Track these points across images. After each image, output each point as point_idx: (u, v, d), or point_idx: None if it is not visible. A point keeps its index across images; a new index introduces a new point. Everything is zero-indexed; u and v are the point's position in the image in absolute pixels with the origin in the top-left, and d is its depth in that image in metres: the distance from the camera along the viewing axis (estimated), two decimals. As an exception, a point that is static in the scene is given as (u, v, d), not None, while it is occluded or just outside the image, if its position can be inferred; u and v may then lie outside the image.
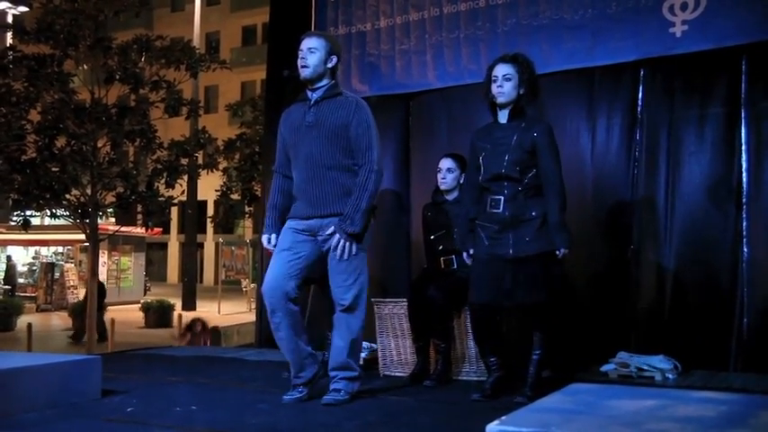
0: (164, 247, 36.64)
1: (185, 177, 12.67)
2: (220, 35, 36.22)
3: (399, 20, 5.75)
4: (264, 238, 3.89)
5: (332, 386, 3.65)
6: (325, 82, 3.75)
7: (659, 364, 4.14)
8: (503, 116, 3.82)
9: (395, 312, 4.60)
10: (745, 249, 4.48)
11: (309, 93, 3.78)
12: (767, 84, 4.53)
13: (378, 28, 5.87)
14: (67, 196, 11.08)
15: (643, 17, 4.76)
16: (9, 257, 26.78)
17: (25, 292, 23.79)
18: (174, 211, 14.07)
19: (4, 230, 25.03)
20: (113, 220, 18.02)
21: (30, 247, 27.58)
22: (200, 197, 21.99)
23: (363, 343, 4.13)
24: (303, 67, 3.72)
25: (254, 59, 30.29)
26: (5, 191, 10.93)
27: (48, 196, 10.81)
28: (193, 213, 22.18)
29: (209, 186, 19.31)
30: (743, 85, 4.57)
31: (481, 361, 4.07)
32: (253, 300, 17.41)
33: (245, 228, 29.11)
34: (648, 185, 4.80)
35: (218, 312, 20.44)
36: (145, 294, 24.89)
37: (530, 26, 5.17)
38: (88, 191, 11.13)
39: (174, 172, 11.75)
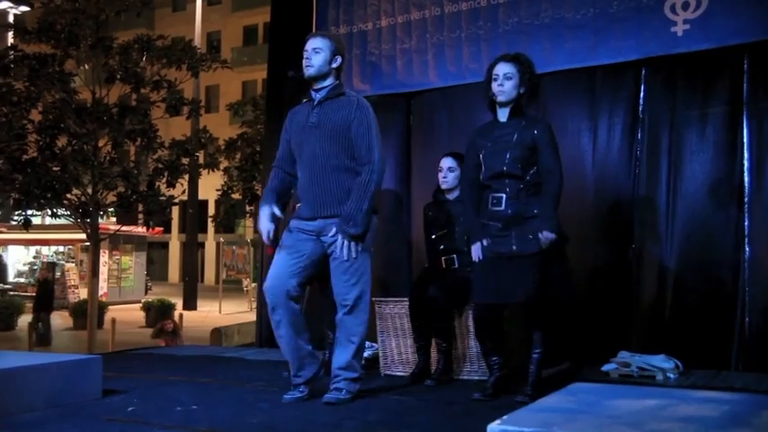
0: (165, 246, 36.64)
1: (186, 177, 12.66)
2: (221, 35, 36.21)
3: (401, 19, 5.75)
4: (262, 211, 3.76)
5: (333, 385, 3.64)
6: (328, 82, 3.74)
7: (661, 363, 4.13)
8: (502, 115, 3.81)
9: (396, 312, 4.59)
10: (747, 249, 4.48)
11: (313, 93, 3.77)
12: (768, 83, 4.53)
13: (379, 27, 5.87)
14: (68, 196, 11.08)
15: (645, 16, 4.76)
16: (0, 257, 26.80)
17: (26, 292, 23.77)
18: (175, 211, 14.13)
19: (4, 230, 25.07)
20: (114, 219, 18.05)
21: (31, 247, 27.59)
22: (201, 197, 22.02)
23: (365, 343, 4.12)
24: (308, 66, 3.71)
25: (256, 59, 30.31)
26: (6, 190, 10.93)
27: (49, 196, 10.81)
28: (194, 213, 22.19)
29: (210, 186, 19.32)
30: (744, 84, 4.56)
31: (482, 360, 4.07)
32: (254, 299, 17.40)
33: (246, 227, 29.08)
34: (650, 185, 4.79)
35: (219, 312, 20.48)
36: (146, 294, 24.90)
37: (531, 25, 5.17)
38: (89, 190, 11.12)
39: (175, 171, 11.75)
